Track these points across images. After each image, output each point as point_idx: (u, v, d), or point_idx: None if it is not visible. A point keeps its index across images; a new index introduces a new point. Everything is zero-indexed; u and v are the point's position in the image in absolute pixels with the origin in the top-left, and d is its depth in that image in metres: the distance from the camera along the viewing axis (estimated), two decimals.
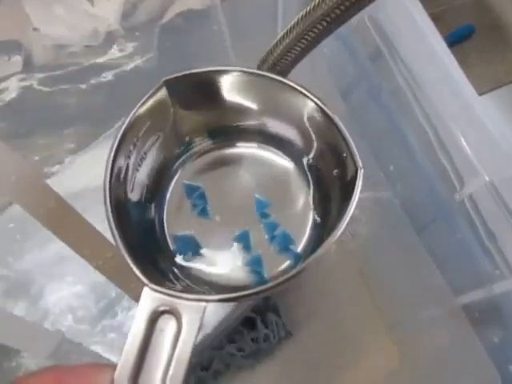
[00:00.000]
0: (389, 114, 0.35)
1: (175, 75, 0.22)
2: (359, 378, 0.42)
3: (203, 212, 0.25)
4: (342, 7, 0.22)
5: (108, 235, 0.30)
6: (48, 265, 0.33)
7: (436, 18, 0.32)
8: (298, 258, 0.24)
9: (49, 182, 0.34)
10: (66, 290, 0.33)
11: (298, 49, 0.25)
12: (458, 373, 0.34)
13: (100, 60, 0.43)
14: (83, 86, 0.43)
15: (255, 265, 0.24)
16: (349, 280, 0.43)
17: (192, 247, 0.24)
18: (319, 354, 0.42)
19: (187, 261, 0.24)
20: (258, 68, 0.26)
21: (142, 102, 0.22)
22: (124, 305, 0.34)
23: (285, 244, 0.24)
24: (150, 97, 0.22)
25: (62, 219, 0.26)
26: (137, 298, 0.29)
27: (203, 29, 0.45)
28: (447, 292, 0.33)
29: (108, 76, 0.43)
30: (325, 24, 0.23)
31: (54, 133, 0.40)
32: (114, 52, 0.44)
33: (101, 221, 0.36)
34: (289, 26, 0.24)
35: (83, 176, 0.36)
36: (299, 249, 0.24)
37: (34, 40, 0.46)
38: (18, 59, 0.45)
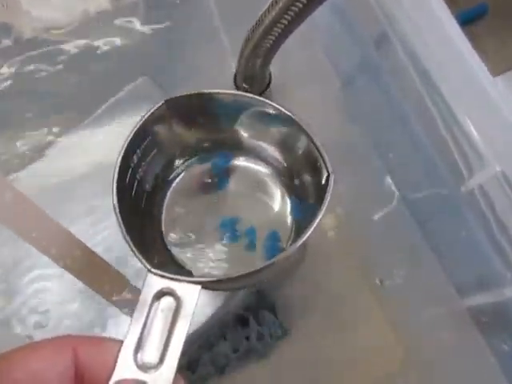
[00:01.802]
0: (390, 97, 0.33)
1: (175, 96, 0.26)
2: (360, 378, 0.40)
3: (222, 184, 0.29)
4: None
5: (76, 233, 0.28)
6: (20, 261, 0.31)
7: None
8: None
9: (22, 172, 0.32)
10: (39, 287, 0.30)
11: (284, 23, 0.23)
12: (463, 380, 0.31)
13: (89, 41, 0.42)
14: (73, 68, 0.41)
15: (250, 235, 0.28)
16: (349, 276, 0.41)
17: (233, 229, 0.28)
18: (317, 354, 0.40)
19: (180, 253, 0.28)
20: (244, 46, 0.27)
21: (144, 117, 0.25)
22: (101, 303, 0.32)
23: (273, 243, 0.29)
24: (152, 113, 0.25)
25: (21, 215, 0.24)
26: (110, 298, 0.28)
27: (193, 7, 0.42)
28: (451, 292, 0.30)
29: (98, 57, 0.42)
30: None
31: (32, 119, 0.39)
32: (104, 32, 0.43)
33: (70, 217, 0.34)
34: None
35: (57, 168, 0.34)
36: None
37: (24, 22, 0.45)
38: (7, 43, 0.43)
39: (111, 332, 0.29)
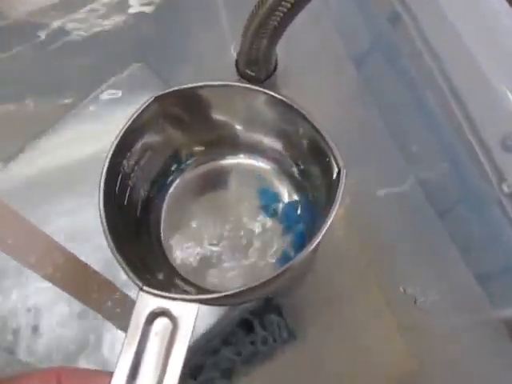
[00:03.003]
0: (410, 84, 0.29)
1: (165, 91, 0.23)
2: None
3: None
4: None
5: (60, 239, 0.25)
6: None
7: None
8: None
9: None
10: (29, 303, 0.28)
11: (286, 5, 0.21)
12: None
13: (77, 24, 0.39)
14: (59, 54, 0.38)
15: (270, 200, 0.27)
16: (359, 276, 0.38)
17: (275, 200, 0.27)
18: (325, 359, 0.38)
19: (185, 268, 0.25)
20: (247, 25, 0.24)
21: (133, 117, 0.23)
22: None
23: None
24: (141, 112, 0.23)
25: None
26: (99, 309, 0.25)
27: None
28: (482, 301, 0.27)
29: (87, 41, 0.39)
30: None
31: (13, 110, 0.36)
32: (94, 14, 0.39)
33: (53, 221, 0.31)
34: None
35: (38, 166, 0.31)
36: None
37: (8, 6, 0.42)
38: None
39: (106, 350, 0.26)
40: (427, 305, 0.32)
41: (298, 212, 0.27)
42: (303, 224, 0.27)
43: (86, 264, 0.26)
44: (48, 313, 0.27)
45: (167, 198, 0.27)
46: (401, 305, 0.37)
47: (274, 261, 0.26)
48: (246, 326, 0.38)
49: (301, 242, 0.26)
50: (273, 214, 0.27)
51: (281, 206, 0.27)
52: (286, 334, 0.38)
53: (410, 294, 0.34)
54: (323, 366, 0.38)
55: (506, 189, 0.22)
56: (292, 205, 0.27)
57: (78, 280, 0.24)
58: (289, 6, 0.21)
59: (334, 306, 0.38)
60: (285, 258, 0.26)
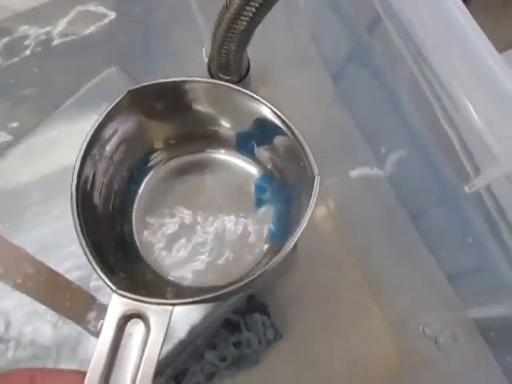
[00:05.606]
0: (383, 84, 0.29)
1: (139, 85, 0.23)
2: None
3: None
4: None
5: (36, 245, 0.25)
6: None
7: None
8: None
9: None
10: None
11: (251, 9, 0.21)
12: None
13: (52, 28, 0.39)
14: (34, 59, 0.38)
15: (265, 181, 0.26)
16: (345, 275, 0.38)
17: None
18: (311, 358, 0.38)
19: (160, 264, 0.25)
20: (215, 29, 0.24)
21: (106, 111, 0.23)
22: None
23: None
24: (115, 106, 0.23)
25: None
26: (73, 318, 0.25)
27: None
28: (454, 300, 0.27)
29: (62, 46, 0.38)
30: None
31: None
32: (68, 19, 0.39)
33: (28, 227, 0.31)
34: None
35: (14, 172, 0.31)
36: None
37: None
38: None
39: (81, 354, 0.26)
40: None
41: (270, 191, 0.27)
42: (276, 200, 0.26)
43: (58, 273, 0.25)
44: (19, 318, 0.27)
45: (141, 190, 0.26)
46: (387, 303, 0.37)
47: (255, 239, 0.26)
48: (231, 326, 0.38)
49: (278, 217, 0.26)
50: (251, 204, 0.27)
51: (253, 187, 0.27)
52: (272, 333, 0.38)
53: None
54: (310, 365, 0.38)
55: (467, 190, 0.22)
56: (263, 180, 0.27)
57: (49, 289, 0.24)
58: (254, 10, 0.21)
59: (321, 305, 0.38)
60: (272, 235, 0.26)
